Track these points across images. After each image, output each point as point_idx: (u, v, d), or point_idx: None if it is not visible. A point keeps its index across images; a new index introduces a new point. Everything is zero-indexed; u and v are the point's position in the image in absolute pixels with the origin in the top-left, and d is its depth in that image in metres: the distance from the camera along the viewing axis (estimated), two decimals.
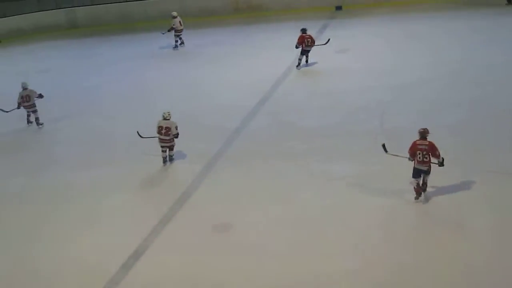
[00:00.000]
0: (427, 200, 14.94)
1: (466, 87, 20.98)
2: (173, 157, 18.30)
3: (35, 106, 21.84)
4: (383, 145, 15.54)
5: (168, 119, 17.76)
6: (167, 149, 18.13)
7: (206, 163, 18.03)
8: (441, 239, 13.70)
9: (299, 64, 24.38)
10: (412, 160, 14.74)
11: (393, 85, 21.81)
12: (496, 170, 15.89)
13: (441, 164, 14.53)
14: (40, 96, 21.85)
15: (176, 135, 17.85)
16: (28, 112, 22.01)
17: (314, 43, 24.14)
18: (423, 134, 14.63)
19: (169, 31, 29.10)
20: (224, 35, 31.11)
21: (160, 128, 17.83)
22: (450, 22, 28.60)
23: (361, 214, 14.87)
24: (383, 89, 21.66)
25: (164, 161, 18.18)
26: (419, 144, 14.56)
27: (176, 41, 29.33)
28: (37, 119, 22.00)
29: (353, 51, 26.02)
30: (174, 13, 28.99)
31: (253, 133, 19.79)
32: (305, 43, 24.04)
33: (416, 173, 14.76)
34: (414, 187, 14.96)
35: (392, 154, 15.41)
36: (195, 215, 15.50)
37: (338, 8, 32.51)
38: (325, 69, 23.45)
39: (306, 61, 24.56)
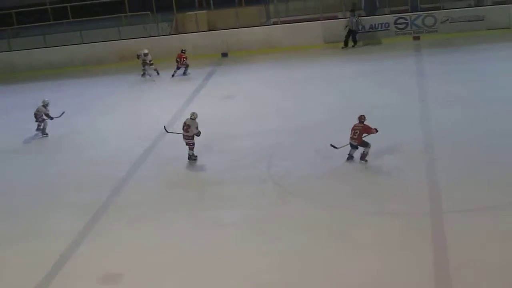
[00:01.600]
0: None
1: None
2: (194, 157, 20.01)
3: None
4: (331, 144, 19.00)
5: (193, 119, 19.49)
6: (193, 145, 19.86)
7: (93, 213, 17.63)
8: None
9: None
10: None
11: (279, 129, 21.97)
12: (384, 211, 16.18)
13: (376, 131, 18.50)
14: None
15: (198, 134, 19.57)
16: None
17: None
18: (360, 119, 18.67)
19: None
20: (110, 84, 30.82)
21: (183, 125, 19.71)
22: (335, 67, 29.21)
23: (252, 259, 14.78)
24: (269, 133, 21.80)
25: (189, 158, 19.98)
26: (355, 125, 18.60)
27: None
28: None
29: (238, 97, 26.16)
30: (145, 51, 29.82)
31: (140, 182, 19.56)
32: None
33: (351, 146, 18.87)
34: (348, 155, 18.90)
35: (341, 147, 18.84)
36: (82, 267, 15.12)
37: (224, 55, 32.72)
38: (211, 116, 23.45)
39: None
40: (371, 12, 33.85)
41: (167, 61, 31.46)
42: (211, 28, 34.54)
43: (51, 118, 23.89)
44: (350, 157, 18.98)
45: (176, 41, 33.35)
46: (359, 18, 32.02)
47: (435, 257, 14.12)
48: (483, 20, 31.75)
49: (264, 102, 25.04)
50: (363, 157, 18.81)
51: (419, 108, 22.67)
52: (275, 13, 35.23)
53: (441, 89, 24.25)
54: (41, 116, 23.81)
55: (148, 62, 29.66)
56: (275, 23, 34.52)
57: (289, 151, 20.50)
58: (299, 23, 33.66)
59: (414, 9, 32.65)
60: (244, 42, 32.64)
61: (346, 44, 31.78)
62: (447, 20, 31.83)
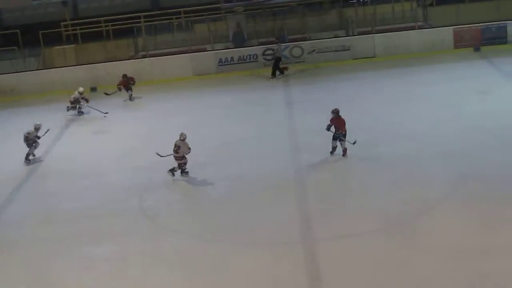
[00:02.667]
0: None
1: (224, 162, 21.54)
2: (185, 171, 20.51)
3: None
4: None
5: (182, 140, 19.98)
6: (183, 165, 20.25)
7: None
8: None
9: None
10: (329, 131, 20.36)
11: (151, 164, 21.85)
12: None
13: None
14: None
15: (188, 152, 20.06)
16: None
17: None
18: (337, 113, 20.28)
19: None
20: None
21: (174, 146, 20.09)
22: (205, 97, 29.39)
23: None
24: (141, 168, 21.72)
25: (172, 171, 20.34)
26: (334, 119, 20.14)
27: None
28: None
29: (111, 132, 25.95)
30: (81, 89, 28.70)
31: (13, 220, 19.17)
32: None
33: (334, 138, 20.44)
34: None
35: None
36: None
37: (93, 89, 32.35)
38: (83, 151, 23.13)
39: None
40: (239, 43, 34.26)
41: (36, 96, 31.00)
42: (80, 62, 34.12)
43: (38, 138, 23.25)
44: (333, 150, 20.34)
45: (44, 76, 32.90)
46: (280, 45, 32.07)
47: (310, 286, 14.36)
48: (349, 49, 32.72)
49: (135, 136, 24.88)
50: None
51: (288, 138, 23.06)
52: (144, 46, 35.20)
53: (309, 117, 24.76)
54: (32, 139, 23.11)
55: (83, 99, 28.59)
56: (144, 57, 34.52)
57: (161, 185, 20.44)
58: (168, 56, 33.74)
59: (282, 40, 33.25)
60: (113, 75, 32.40)
61: (274, 74, 31.50)
62: (314, 50, 32.59)
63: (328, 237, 16.17)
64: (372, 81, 29.28)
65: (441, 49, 32.33)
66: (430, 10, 35.05)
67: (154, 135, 24.74)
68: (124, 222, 18.14)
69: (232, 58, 32.87)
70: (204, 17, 35.37)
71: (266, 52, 32.65)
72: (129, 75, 30.22)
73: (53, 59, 34.91)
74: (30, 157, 23.24)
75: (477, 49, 32.25)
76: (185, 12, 35.41)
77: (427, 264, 14.56)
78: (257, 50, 33.02)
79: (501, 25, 32.55)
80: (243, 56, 32.87)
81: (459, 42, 32.58)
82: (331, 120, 20.50)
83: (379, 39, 32.82)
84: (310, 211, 17.75)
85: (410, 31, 33.45)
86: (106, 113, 27.30)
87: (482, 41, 32.49)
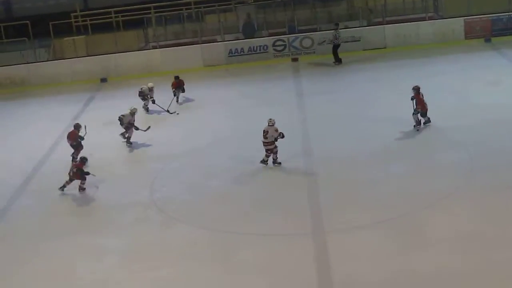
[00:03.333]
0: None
1: (234, 153, 21.54)
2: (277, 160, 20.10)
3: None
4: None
5: (271, 125, 19.74)
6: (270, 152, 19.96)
7: None
8: None
9: None
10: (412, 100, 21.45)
11: (162, 155, 21.90)
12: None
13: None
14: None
15: (279, 136, 19.74)
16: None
17: None
18: (417, 90, 21.32)
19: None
20: None
21: (263, 132, 19.82)
22: (218, 89, 29.41)
23: (138, 286, 14.81)
24: (151, 159, 21.82)
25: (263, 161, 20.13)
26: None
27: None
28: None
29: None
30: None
31: (20, 212, 19.21)
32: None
33: (413, 113, 21.44)
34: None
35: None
36: None
37: (103, 80, 32.40)
38: (93, 142, 23.15)
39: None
40: (249, 34, 34.21)
41: (47, 87, 31.10)
42: (90, 53, 34.14)
43: (137, 129, 23.10)
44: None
45: (54, 67, 32.95)
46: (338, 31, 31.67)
47: (319, 277, 14.37)
48: (359, 41, 32.62)
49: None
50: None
51: (300, 127, 23.06)
52: (154, 37, 35.17)
53: (320, 108, 24.74)
54: (127, 124, 22.99)
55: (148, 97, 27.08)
56: (154, 48, 34.47)
57: (171, 176, 20.47)
58: (178, 47, 33.71)
59: (292, 31, 33.22)
60: (123, 67, 32.44)
61: (337, 59, 31.31)
62: (324, 41, 32.48)
63: (338, 228, 16.18)
64: (382, 71, 29.24)
65: (452, 40, 32.20)
66: (441, 1, 34.91)
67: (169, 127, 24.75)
68: (135, 213, 18.20)
69: (242, 49, 32.84)
70: (214, 7, 35.28)
71: (276, 43, 32.60)
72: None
73: (63, 50, 34.91)
74: (123, 139, 23.23)
75: (487, 40, 32.10)
76: (195, 3, 35.38)
77: (437, 255, 14.58)
78: (267, 41, 32.92)
79: (511, 15, 32.40)
80: (254, 47, 32.82)
81: (470, 33, 32.44)
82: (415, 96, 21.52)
83: (389, 30, 32.66)
84: (320, 202, 17.75)
85: (420, 22, 33.29)
86: (173, 112, 26.25)
87: (493, 32, 32.33)
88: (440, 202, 17.03)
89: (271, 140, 19.78)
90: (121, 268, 15.62)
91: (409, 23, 33.19)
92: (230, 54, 32.86)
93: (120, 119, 23.04)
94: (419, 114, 21.65)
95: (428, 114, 21.72)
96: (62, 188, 19.72)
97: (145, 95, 26.63)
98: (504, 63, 28.48)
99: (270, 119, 19.86)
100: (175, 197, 19.06)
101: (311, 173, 19.72)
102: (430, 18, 33.79)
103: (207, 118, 25.14)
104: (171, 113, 26.03)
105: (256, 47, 32.79)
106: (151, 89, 26.71)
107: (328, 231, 16.20)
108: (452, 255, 14.57)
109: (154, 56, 33.34)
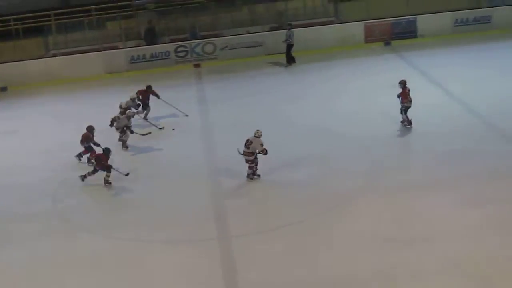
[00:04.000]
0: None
1: (145, 157, 21.54)
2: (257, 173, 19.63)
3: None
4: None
5: (257, 137, 19.16)
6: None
7: None
8: None
9: None
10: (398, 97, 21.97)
11: (65, 164, 21.56)
12: None
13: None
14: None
15: (262, 152, 19.13)
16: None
17: None
18: (403, 84, 21.81)
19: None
20: None
21: (246, 141, 19.26)
22: (118, 96, 29.02)
23: None
24: (55, 169, 21.41)
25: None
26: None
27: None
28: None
29: (22, 131, 25.36)
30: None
31: None
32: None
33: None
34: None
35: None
36: None
37: (4, 89, 31.62)
38: None
39: None
40: (151, 41, 33.99)
41: None
42: None
43: (132, 132, 22.52)
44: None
45: None
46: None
47: (226, 282, 14.51)
48: (261, 46, 32.81)
49: (49, 136, 24.41)
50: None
51: (203, 134, 23.02)
52: (54, 44, 34.58)
53: (223, 115, 24.76)
54: (122, 128, 22.47)
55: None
56: (54, 55, 33.89)
57: (75, 186, 20.15)
58: (79, 55, 33.19)
59: (194, 37, 33.17)
60: (23, 75, 31.74)
61: (289, 60, 31.31)
62: (226, 46, 32.57)
63: (242, 233, 16.23)
64: (283, 77, 29.50)
65: (352, 44, 32.71)
66: (341, 5, 35.36)
67: (70, 135, 24.24)
68: (38, 224, 17.89)
69: (144, 55, 32.61)
70: (115, 14, 34.93)
71: (178, 50, 32.51)
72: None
73: None
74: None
75: (387, 43, 32.76)
76: (97, 10, 34.92)
77: (341, 258, 14.88)
78: (169, 47, 32.77)
79: (410, 19, 33.18)
80: (155, 53, 32.63)
81: (370, 37, 33.03)
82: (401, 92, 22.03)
83: None
84: (225, 207, 17.79)
85: (321, 26, 33.72)
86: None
87: (393, 36, 33.03)
88: (342, 205, 17.29)
89: (252, 151, 19.30)
90: (26, 280, 15.40)
91: (310, 27, 33.53)
92: (132, 61, 32.57)
93: (114, 119, 22.60)
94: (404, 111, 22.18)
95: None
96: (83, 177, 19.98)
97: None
98: (403, 65, 29.06)
99: (258, 130, 19.38)
100: (78, 207, 18.81)
101: (214, 177, 19.80)
102: (331, 23, 34.23)
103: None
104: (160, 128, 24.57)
105: (158, 53, 32.60)
106: (133, 100, 24.97)
107: (233, 236, 16.25)
108: (354, 258, 14.87)
109: (55, 64, 32.73)
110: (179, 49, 32.57)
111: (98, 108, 26.55)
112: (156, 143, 22.56)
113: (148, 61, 32.52)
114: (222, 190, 19.06)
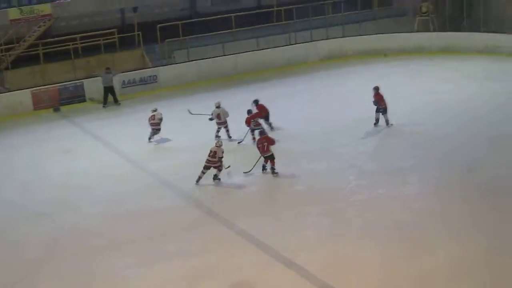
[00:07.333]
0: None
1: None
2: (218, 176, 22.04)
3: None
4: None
5: (218, 146, 21.72)
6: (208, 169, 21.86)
7: None
8: None
9: None
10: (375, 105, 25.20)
11: None
12: None
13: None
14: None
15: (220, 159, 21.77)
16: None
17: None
18: (377, 90, 24.97)
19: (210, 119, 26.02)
20: None
21: (210, 152, 21.72)
22: None
23: None
24: None
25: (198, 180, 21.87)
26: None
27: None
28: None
29: None
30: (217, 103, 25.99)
31: None
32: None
33: (376, 111, 25.18)
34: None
35: None
36: None
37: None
38: None
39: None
40: None
41: None
42: None
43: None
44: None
45: None
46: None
47: None
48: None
49: None
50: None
51: None
52: None
53: None
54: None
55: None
56: None
57: None
58: None
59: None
60: None
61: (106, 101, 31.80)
62: None
63: None
64: None
65: (20, 112, 31.93)
66: (7, 73, 34.26)
67: None
68: None
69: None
70: None
71: None
72: None
73: None
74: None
75: (56, 109, 32.44)
76: None
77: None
78: None
79: (78, 84, 33.17)
80: None
81: (38, 104, 32.43)
82: (374, 96, 25.06)
83: None
84: None
85: None
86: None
87: (61, 101, 32.74)
88: None
89: (217, 159, 21.67)
90: None
91: None
92: None
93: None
94: (380, 113, 25.04)
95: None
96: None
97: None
98: (74, 130, 28.84)
99: (218, 140, 22.60)
100: None
101: None
102: None
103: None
104: None
105: None
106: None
107: None
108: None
109: None
110: None
111: None
112: None
113: None
114: None
